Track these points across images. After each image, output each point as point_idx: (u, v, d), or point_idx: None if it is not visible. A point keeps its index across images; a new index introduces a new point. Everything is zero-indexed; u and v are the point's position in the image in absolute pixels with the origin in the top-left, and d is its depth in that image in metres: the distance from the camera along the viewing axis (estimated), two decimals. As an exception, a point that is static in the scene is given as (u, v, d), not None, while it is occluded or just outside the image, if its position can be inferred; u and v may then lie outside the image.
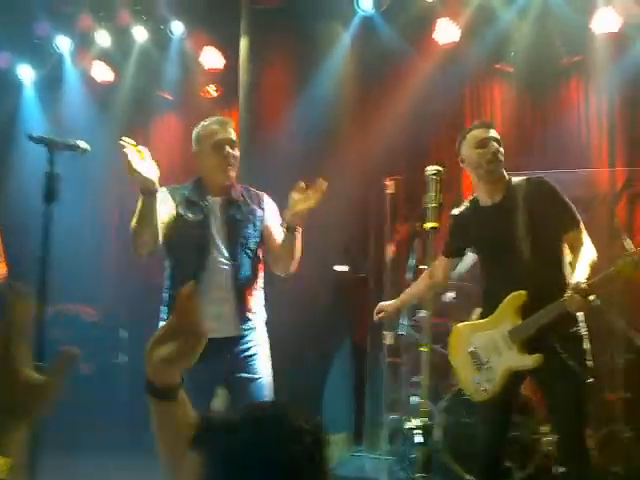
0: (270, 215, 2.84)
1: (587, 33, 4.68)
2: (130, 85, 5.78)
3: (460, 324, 2.97)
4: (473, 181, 2.85)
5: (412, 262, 4.33)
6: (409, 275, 4.32)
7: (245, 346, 2.73)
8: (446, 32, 4.95)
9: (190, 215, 2.73)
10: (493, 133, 2.80)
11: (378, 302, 4.24)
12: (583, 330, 2.66)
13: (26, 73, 5.98)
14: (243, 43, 5.06)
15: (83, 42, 5.68)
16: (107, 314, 5.30)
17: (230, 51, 5.34)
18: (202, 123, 2.86)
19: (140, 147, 2.49)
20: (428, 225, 2.04)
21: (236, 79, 5.03)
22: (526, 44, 4.84)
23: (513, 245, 2.68)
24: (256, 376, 2.72)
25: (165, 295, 2.79)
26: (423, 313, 4.18)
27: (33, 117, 5.98)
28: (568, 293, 2.49)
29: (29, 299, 0.92)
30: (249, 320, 2.74)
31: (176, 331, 1.16)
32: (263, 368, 2.75)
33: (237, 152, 2.79)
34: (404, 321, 4.32)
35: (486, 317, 2.77)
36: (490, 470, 2.77)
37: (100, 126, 5.73)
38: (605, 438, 3.78)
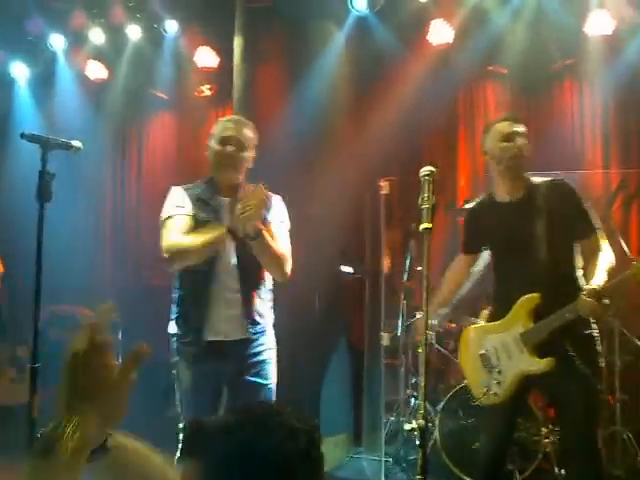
0: (272, 219, 2.76)
1: (580, 36, 4.70)
2: (124, 84, 5.76)
3: (471, 326, 2.92)
4: (492, 175, 2.78)
5: (408, 263, 4.34)
6: (405, 276, 4.33)
7: (256, 350, 2.70)
8: (440, 33, 4.96)
9: (202, 215, 2.69)
10: (519, 127, 2.73)
11: (375, 303, 4.24)
12: (595, 332, 2.64)
13: (20, 71, 5.95)
14: (237, 42, 5.04)
15: (77, 40, 5.65)
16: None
17: (224, 50, 5.32)
18: (219, 120, 2.87)
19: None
20: (422, 226, 2.03)
21: (230, 78, 5.01)
22: (520, 46, 4.85)
23: (529, 245, 2.63)
24: (266, 382, 2.71)
25: (175, 295, 2.77)
26: (419, 315, 4.19)
27: (27, 115, 5.96)
28: (582, 297, 2.47)
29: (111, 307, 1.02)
30: (258, 323, 2.71)
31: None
32: (272, 373, 2.74)
33: (246, 153, 2.73)
34: (400, 322, 4.33)
35: (497, 319, 2.72)
36: (492, 475, 2.75)
37: (94, 124, 5.71)
38: (604, 440, 3.79)
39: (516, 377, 2.62)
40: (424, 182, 2.10)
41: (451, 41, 4.97)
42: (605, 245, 2.66)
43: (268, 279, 2.78)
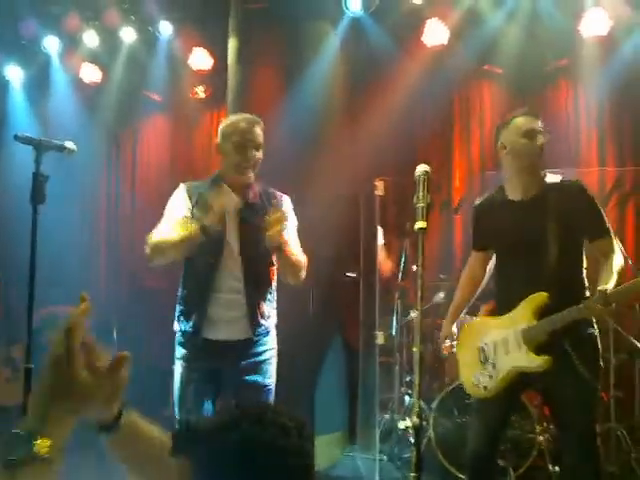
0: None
1: (575, 36, 4.71)
2: (118, 86, 5.76)
3: (476, 319, 2.91)
4: (506, 170, 2.70)
5: (403, 263, 4.34)
6: (400, 276, 4.33)
7: (259, 349, 2.69)
8: (435, 34, 4.96)
9: (204, 217, 2.63)
10: (541, 125, 2.68)
11: (369, 303, 4.23)
12: (596, 332, 2.62)
13: (14, 74, 5.95)
14: (232, 43, 5.04)
15: (71, 43, 5.65)
16: (98, 317, 5.25)
17: (219, 52, 5.33)
18: (230, 118, 2.80)
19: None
20: (417, 225, 2.02)
21: (225, 80, 5.01)
22: (515, 47, 4.86)
23: (539, 245, 2.58)
24: (266, 382, 2.70)
25: (178, 294, 2.76)
26: (414, 313, 4.20)
27: (21, 118, 5.95)
28: (591, 300, 2.44)
29: (85, 302, 1.03)
30: (262, 324, 2.69)
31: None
32: (272, 373, 2.73)
33: (260, 154, 2.70)
34: (394, 321, 4.34)
35: (500, 315, 2.68)
36: (478, 471, 2.71)
37: (88, 127, 5.71)
38: (599, 437, 3.81)
39: (509, 373, 2.59)
40: (419, 181, 2.09)
41: (446, 42, 4.97)
42: (617, 248, 2.63)
43: (273, 281, 2.76)
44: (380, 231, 4.71)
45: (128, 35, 5.50)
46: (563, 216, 2.59)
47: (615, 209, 4.61)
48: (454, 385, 3.76)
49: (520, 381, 2.64)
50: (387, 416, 4.28)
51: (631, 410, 3.96)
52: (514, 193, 2.70)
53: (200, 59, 5.53)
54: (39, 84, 5.89)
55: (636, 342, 3.93)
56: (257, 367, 2.69)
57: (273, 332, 2.77)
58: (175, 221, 2.63)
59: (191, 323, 2.67)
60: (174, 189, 2.80)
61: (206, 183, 2.76)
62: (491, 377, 2.63)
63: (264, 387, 2.69)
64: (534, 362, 2.53)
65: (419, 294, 2.04)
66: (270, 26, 5.16)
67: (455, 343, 2.86)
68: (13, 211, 4.64)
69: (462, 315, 3.05)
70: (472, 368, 2.70)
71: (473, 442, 2.70)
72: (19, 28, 5.57)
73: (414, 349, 2.24)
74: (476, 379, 2.66)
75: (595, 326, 2.61)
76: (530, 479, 3.58)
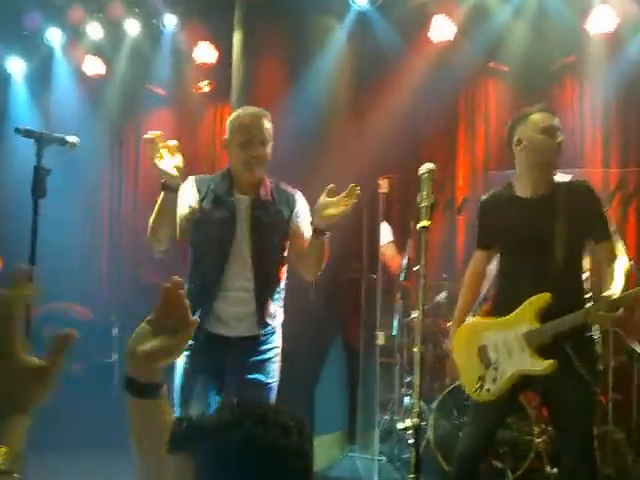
0: (299, 216, 2.69)
1: (582, 34, 4.67)
2: (122, 79, 5.73)
3: (472, 319, 2.84)
4: (518, 167, 2.67)
5: (405, 262, 4.32)
6: (402, 276, 4.30)
7: (264, 347, 2.67)
8: (441, 30, 4.93)
9: (216, 212, 2.62)
10: (558, 122, 2.64)
11: (371, 303, 4.20)
12: (596, 335, 2.62)
13: (16, 66, 5.92)
14: (236, 37, 5.01)
15: (74, 35, 5.63)
16: (99, 313, 5.26)
17: (223, 45, 5.29)
18: (236, 112, 2.73)
19: (170, 141, 2.38)
20: (420, 224, 2.00)
21: (229, 74, 4.98)
22: (521, 44, 4.82)
23: (546, 244, 2.56)
24: (268, 380, 2.67)
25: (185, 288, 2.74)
26: (415, 314, 4.18)
27: (23, 111, 5.94)
28: (594, 308, 2.43)
29: (29, 284, 0.90)
30: (269, 323, 2.67)
31: (161, 325, 1.12)
32: (276, 372, 2.70)
33: (269, 148, 2.62)
34: (395, 321, 4.32)
35: (500, 315, 2.64)
36: (468, 472, 2.68)
37: (91, 120, 5.69)
38: (596, 439, 3.79)
39: (513, 376, 2.56)
40: (423, 180, 2.07)
41: (452, 38, 4.94)
42: (622, 251, 2.61)
43: (282, 279, 2.73)
44: (388, 228, 4.69)
45: (132, 28, 5.47)
46: (571, 216, 2.57)
47: (618, 210, 4.58)
48: (453, 386, 3.75)
49: (521, 383, 2.63)
50: (387, 417, 4.28)
51: (629, 413, 3.95)
52: (523, 190, 2.66)
53: (205, 53, 5.50)
54: (41, 77, 5.87)
55: (635, 345, 3.91)
56: (261, 366, 2.66)
57: (279, 331, 2.74)
58: (181, 213, 2.57)
59: (196, 317, 2.64)
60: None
61: (216, 178, 2.71)
62: (494, 380, 2.59)
63: (266, 386, 2.67)
64: (539, 366, 2.50)
65: (421, 294, 2.03)
66: (275, 19, 5.12)
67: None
68: (14, 205, 4.64)
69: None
70: (473, 371, 2.65)
71: (468, 443, 2.68)
72: (22, 20, 5.55)
73: (415, 349, 2.23)
74: (480, 382, 2.61)
75: (594, 329, 2.60)
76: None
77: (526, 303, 2.54)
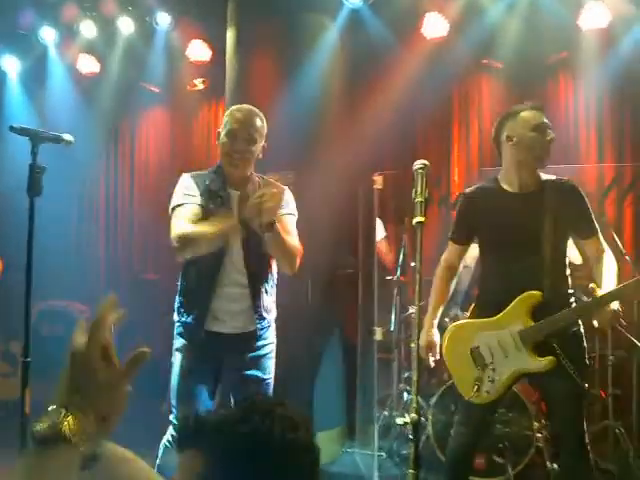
0: (282, 212, 2.69)
1: (575, 29, 4.69)
2: (115, 77, 5.72)
3: (459, 321, 2.83)
4: (506, 163, 2.67)
5: (401, 258, 4.33)
6: (398, 271, 4.32)
7: (259, 343, 2.69)
8: (434, 26, 4.94)
9: (212, 206, 2.65)
10: (547, 119, 2.66)
11: (368, 299, 4.20)
12: (582, 329, 2.62)
13: (10, 64, 5.91)
14: (230, 35, 5.01)
15: (68, 33, 5.61)
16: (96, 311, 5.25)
17: (217, 43, 5.29)
18: (233, 107, 2.77)
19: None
20: (415, 220, 2.01)
21: (223, 71, 4.98)
22: (514, 40, 4.83)
23: (532, 240, 2.57)
24: (265, 376, 2.70)
25: (179, 286, 2.75)
26: (412, 309, 4.19)
27: (17, 109, 5.92)
28: (589, 301, 2.46)
29: (112, 301, 0.99)
30: (264, 318, 2.70)
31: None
32: (272, 368, 2.73)
33: (255, 146, 2.65)
34: (393, 317, 4.33)
35: (488, 315, 2.63)
36: (462, 469, 2.71)
37: (86, 118, 5.67)
38: (596, 434, 3.80)
39: (512, 375, 2.57)
40: (417, 175, 2.08)
41: (445, 35, 4.95)
42: (607, 248, 2.66)
43: (274, 274, 2.76)
44: (380, 224, 4.70)
45: (126, 26, 5.45)
46: (557, 213, 2.59)
47: (614, 205, 4.61)
48: (452, 381, 3.75)
49: (516, 379, 2.65)
50: (386, 412, 4.29)
51: (629, 408, 3.97)
52: (510, 186, 2.67)
53: (198, 50, 5.50)
54: (36, 75, 5.86)
55: (635, 339, 3.93)
56: (258, 362, 2.69)
57: (273, 326, 2.77)
58: (194, 211, 2.60)
59: (193, 315, 2.66)
60: (173, 181, 2.77)
61: (209, 174, 2.74)
62: (493, 381, 2.58)
63: (264, 381, 2.69)
64: (538, 364, 2.51)
65: (417, 289, 2.04)
66: (268, 17, 5.12)
67: (438, 349, 2.76)
68: (10, 204, 4.62)
69: (460, 313, 3.04)
70: (468, 373, 2.63)
71: (459, 442, 2.70)
72: (16, 18, 5.53)
73: (412, 345, 2.23)
74: (477, 384, 2.58)
75: (580, 323, 2.62)
76: (528, 476, 3.58)
77: (516, 301, 2.54)
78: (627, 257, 3.93)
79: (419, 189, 2.03)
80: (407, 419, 1.85)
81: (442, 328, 2.86)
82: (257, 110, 2.73)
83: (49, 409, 0.91)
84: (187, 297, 2.70)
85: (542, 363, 2.50)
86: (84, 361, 0.94)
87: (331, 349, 4.52)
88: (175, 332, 2.74)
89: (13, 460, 0.93)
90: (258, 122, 2.67)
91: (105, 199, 6.20)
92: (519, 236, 2.61)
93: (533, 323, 2.53)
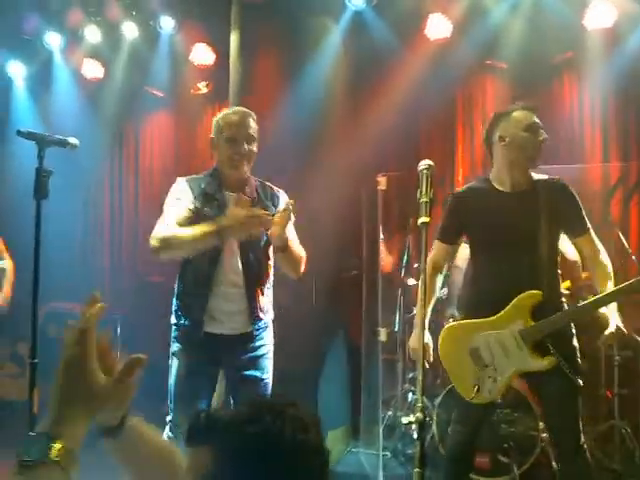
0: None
1: (580, 29, 4.67)
2: (120, 82, 5.75)
3: (455, 323, 2.81)
4: (498, 162, 2.67)
5: (405, 259, 4.33)
6: (402, 272, 4.32)
7: (257, 344, 2.71)
8: (438, 27, 4.94)
9: (207, 210, 2.66)
10: (538, 119, 2.65)
11: (372, 299, 4.19)
12: (573, 328, 2.62)
13: (16, 70, 5.94)
14: (233, 38, 5.03)
15: (73, 38, 5.64)
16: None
17: (220, 47, 5.31)
18: (224, 111, 2.79)
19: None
20: (420, 220, 2.01)
21: (227, 75, 5.00)
22: (518, 40, 4.82)
23: (526, 239, 2.56)
24: (263, 376, 2.72)
25: (176, 288, 2.76)
26: (416, 310, 4.19)
27: (23, 114, 5.96)
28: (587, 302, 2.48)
29: (97, 304, 0.99)
30: (261, 319, 2.71)
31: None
32: (270, 368, 2.74)
33: (253, 146, 2.69)
34: (397, 318, 4.33)
35: (480, 315, 2.61)
36: (464, 467, 2.70)
37: (91, 123, 5.71)
38: (602, 434, 3.78)
39: (514, 374, 2.56)
40: (422, 176, 2.07)
41: (449, 36, 4.95)
42: (600, 247, 2.65)
43: (271, 275, 2.78)
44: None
45: (130, 30, 5.49)
46: (550, 211, 2.58)
47: (619, 204, 4.59)
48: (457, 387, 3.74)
49: (515, 378, 2.65)
50: (390, 412, 4.29)
51: (635, 407, 3.94)
52: (502, 186, 2.67)
53: (202, 54, 5.52)
54: (41, 80, 5.89)
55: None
56: (256, 362, 2.70)
57: (271, 326, 2.78)
58: (181, 215, 2.62)
59: (191, 317, 2.68)
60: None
61: (205, 178, 2.75)
62: (495, 381, 2.56)
63: (262, 381, 2.71)
64: (539, 363, 2.51)
65: (422, 289, 2.04)
66: (272, 20, 5.15)
67: (431, 351, 2.72)
68: (17, 207, 4.65)
69: (457, 314, 3.02)
70: (468, 374, 2.60)
71: (457, 441, 2.69)
72: (22, 24, 5.57)
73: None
74: (476, 385, 2.55)
75: (571, 323, 2.61)
76: (533, 476, 3.57)
77: (516, 300, 2.53)
78: (633, 257, 3.92)
79: (424, 189, 2.02)
80: (412, 418, 1.85)
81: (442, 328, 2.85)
82: (249, 111, 2.77)
83: (36, 432, 0.91)
84: (184, 299, 2.72)
85: (544, 362, 2.50)
86: (75, 367, 0.95)
87: (336, 350, 4.53)
88: (172, 335, 2.74)
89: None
90: (253, 123, 2.71)
91: (110, 202, 6.22)
92: (511, 235, 2.60)
93: (533, 322, 2.52)
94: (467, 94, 5.31)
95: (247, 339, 2.68)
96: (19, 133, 2.37)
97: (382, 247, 4.68)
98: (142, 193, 6.10)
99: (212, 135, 2.75)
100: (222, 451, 0.94)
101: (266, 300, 2.75)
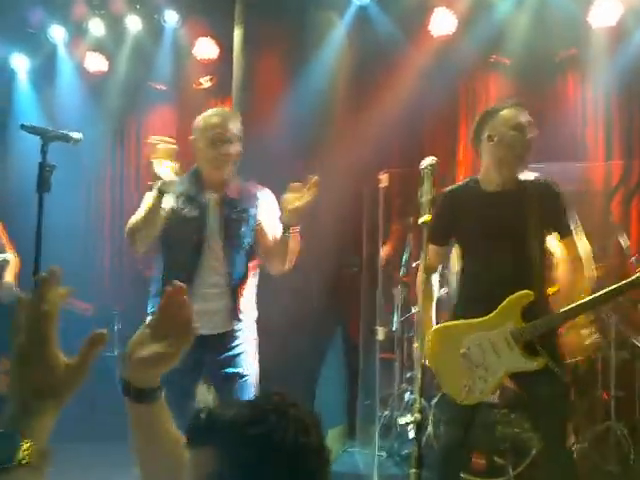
0: (264, 212, 2.74)
1: (584, 26, 4.65)
2: (123, 75, 5.74)
3: (442, 324, 2.73)
4: (486, 161, 2.64)
5: (406, 257, 4.31)
6: (402, 271, 4.30)
7: (234, 343, 2.71)
8: (442, 23, 4.92)
9: (187, 211, 2.68)
10: (527, 117, 2.62)
11: (371, 298, 4.18)
12: (558, 330, 2.63)
13: (20, 63, 5.94)
14: (237, 33, 5.02)
15: (77, 31, 5.65)
16: (101, 308, 5.29)
17: (224, 41, 5.30)
18: (204, 113, 2.78)
19: (170, 145, 2.50)
20: (421, 219, 1.99)
21: (230, 69, 4.99)
22: (523, 36, 4.80)
23: (515, 238, 2.55)
24: (243, 374, 2.72)
25: (153, 289, 2.76)
26: (415, 309, 4.18)
27: (27, 107, 5.95)
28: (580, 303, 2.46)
29: (59, 282, 0.91)
30: (240, 319, 2.72)
31: (161, 330, 1.11)
32: (250, 366, 2.74)
33: (237, 148, 2.69)
34: (395, 317, 4.32)
35: (469, 316, 2.59)
36: (457, 467, 2.70)
37: (94, 116, 5.70)
38: (599, 436, 3.77)
39: (505, 375, 2.55)
40: (425, 174, 2.06)
41: (453, 31, 4.92)
42: (582, 253, 2.61)
43: (252, 276, 2.79)
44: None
45: (134, 24, 5.49)
46: (537, 211, 2.57)
47: (621, 203, 4.57)
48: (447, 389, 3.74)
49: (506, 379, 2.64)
50: (387, 412, 4.27)
51: (632, 409, 3.93)
52: (490, 185, 2.63)
53: (206, 48, 5.51)
54: (45, 73, 5.89)
55: (638, 341, 3.90)
56: (235, 359, 2.71)
57: (251, 326, 2.78)
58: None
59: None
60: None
61: (185, 178, 2.75)
62: (485, 381, 2.54)
63: (243, 378, 2.71)
64: (531, 364, 2.49)
65: (421, 289, 2.03)
66: (276, 14, 5.13)
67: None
68: (19, 200, 4.66)
69: None
70: (458, 375, 2.57)
71: (456, 441, 2.66)
72: (26, 17, 5.57)
73: (415, 345, 2.22)
74: (467, 386, 2.53)
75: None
76: (529, 478, 3.55)
77: (508, 301, 2.50)
78: (632, 259, 3.90)
79: (426, 188, 2.01)
80: (409, 419, 1.85)
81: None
82: (232, 112, 2.78)
83: (3, 433, 0.84)
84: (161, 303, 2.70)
85: (535, 363, 2.49)
86: (37, 355, 0.88)
87: (334, 348, 4.53)
88: None
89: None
90: (234, 124, 2.71)
91: (111, 196, 6.21)
92: (497, 236, 2.58)
93: (524, 323, 2.51)
94: (471, 90, 5.29)
95: (226, 338, 2.69)
96: (23, 127, 2.39)
97: (382, 245, 4.68)
98: (143, 187, 6.08)
99: (192, 137, 2.75)
100: (224, 452, 0.93)
101: (246, 300, 2.76)
